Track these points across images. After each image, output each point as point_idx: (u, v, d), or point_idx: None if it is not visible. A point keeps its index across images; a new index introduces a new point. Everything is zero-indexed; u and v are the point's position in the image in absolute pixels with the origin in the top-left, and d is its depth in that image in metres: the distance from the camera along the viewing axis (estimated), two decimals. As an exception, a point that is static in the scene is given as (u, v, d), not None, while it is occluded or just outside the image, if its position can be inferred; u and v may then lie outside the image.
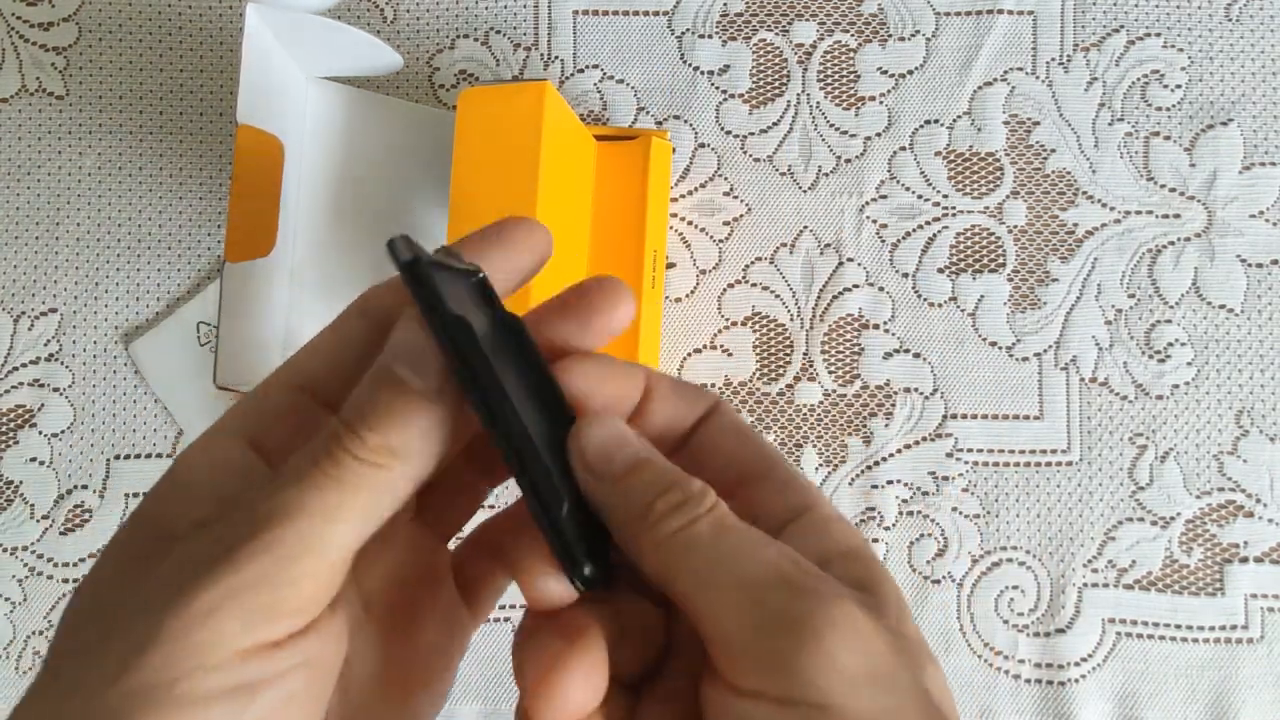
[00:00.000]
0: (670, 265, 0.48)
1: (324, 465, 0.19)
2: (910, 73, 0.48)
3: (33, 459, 0.47)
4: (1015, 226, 0.48)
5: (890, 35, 0.48)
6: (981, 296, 0.48)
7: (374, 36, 0.40)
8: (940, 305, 0.48)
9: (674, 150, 0.47)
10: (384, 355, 0.20)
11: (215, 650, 0.17)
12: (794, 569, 0.19)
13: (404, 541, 0.22)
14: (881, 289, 0.48)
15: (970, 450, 0.47)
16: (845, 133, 0.48)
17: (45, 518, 0.47)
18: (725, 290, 0.48)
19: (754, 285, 0.48)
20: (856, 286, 0.48)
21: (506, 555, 0.21)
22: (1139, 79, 0.48)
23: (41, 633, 0.47)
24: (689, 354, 0.48)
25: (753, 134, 0.48)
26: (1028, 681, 0.46)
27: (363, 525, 0.19)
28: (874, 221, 0.48)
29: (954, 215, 0.48)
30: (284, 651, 0.18)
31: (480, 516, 0.24)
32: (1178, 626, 0.46)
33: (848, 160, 0.48)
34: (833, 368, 0.47)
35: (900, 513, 0.47)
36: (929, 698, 0.18)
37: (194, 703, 0.17)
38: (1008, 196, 0.48)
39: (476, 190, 0.37)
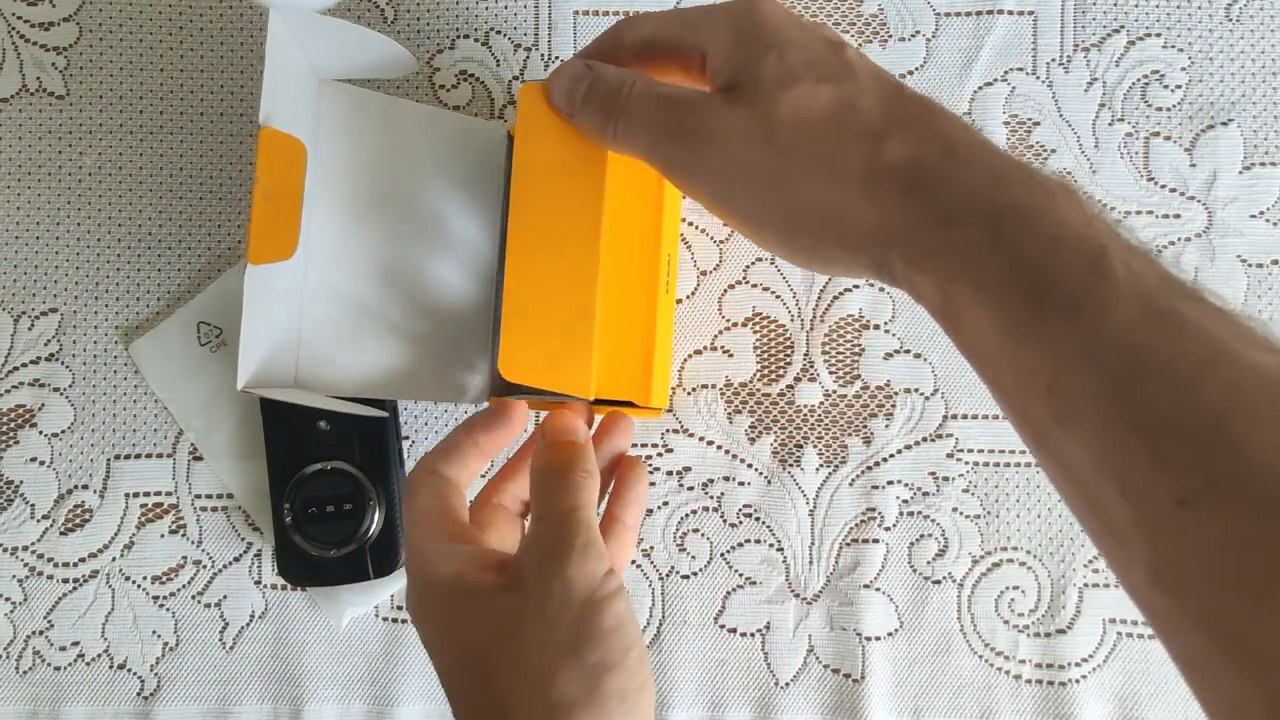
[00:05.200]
0: (670, 265, 0.48)
1: None
2: (910, 73, 0.48)
3: (33, 459, 0.47)
4: (1015, 227, 0.48)
5: (890, 35, 0.48)
6: (982, 297, 0.47)
7: (389, 37, 0.40)
8: (940, 305, 0.48)
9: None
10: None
11: None
12: None
13: None
14: (882, 289, 0.48)
15: (971, 450, 0.47)
16: (845, 133, 0.48)
17: (45, 518, 0.47)
18: (726, 291, 0.48)
19: (754, 286, 0.48)
20: (857, 287, 0.48)
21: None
22: (1139, 79, 0.48)
23: (42, 633, 0.47)
24: (690, 355, 0.48)
25: (753, 134, 0.48)
26: (1028, 682, 0.46)
27: None
28: (874, 222, 0.48)
29: (954, 215, 0.48)
30: None
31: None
32: (1178, 627, 0.46)
33: (848, 160, 0.48)
34: (833, 368, 0.47)
35: (901, 513, 0.47)
36: None
37: None
38: (1008, 197, 0.48)
39: (540, 183, 0.36)
